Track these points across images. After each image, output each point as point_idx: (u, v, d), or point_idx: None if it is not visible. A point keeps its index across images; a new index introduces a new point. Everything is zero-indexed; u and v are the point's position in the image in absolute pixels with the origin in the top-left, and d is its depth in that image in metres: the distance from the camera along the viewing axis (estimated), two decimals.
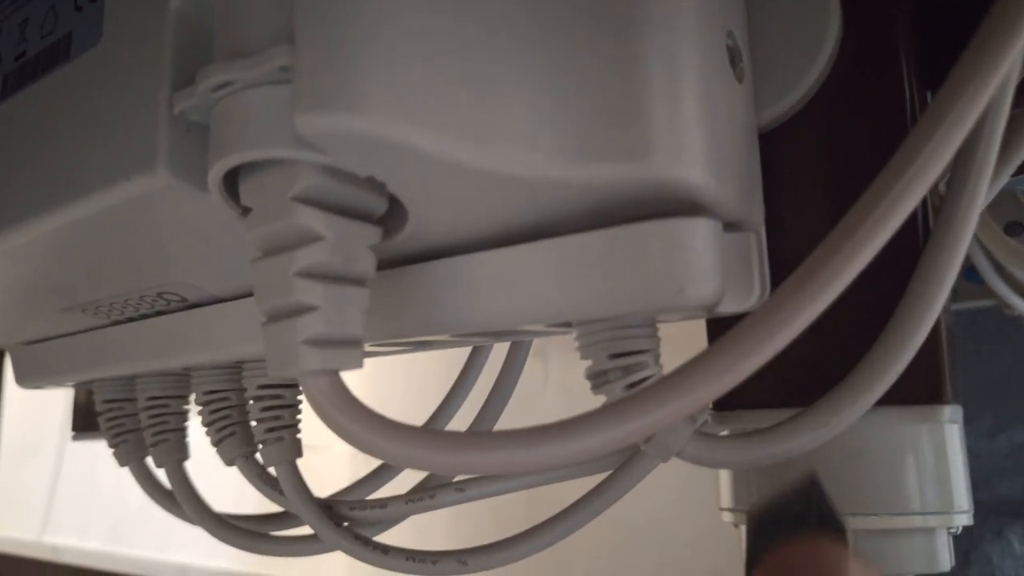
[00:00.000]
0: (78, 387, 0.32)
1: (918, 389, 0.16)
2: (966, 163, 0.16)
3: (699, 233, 0.14)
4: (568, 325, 0.17)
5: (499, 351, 0.26)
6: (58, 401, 0.98)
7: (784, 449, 0.16)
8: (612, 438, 0.14)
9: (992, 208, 0.28)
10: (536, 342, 0.26)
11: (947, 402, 0.16)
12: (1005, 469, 0.41)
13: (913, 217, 0.17)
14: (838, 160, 0.17)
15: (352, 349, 0.16)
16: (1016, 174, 0.21)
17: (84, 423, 0.36)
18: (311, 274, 0.15)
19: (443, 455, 0.15)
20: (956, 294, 0.35)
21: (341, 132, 0.13)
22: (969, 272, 0.34)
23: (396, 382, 0.71)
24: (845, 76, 0.17)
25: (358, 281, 0.16)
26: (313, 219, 0.15)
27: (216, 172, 0.15)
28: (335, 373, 0.16)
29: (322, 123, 0.13)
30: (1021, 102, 0.17)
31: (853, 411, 0.16)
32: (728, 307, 0.15)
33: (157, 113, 0.16)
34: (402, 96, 0.13)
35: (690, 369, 0.14)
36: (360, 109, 0.13)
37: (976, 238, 0.30)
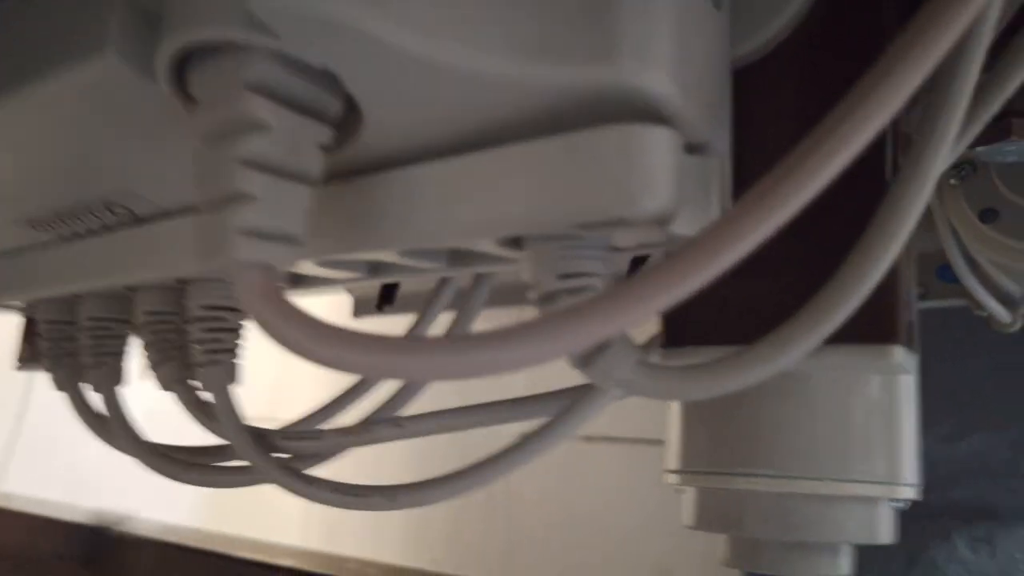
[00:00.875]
0: (25, 310, 0.31)
1: (870, 327, 0.16)
2: (935, 108, 0.16)
3: (657, 142, 0.14)
4: (519, 245, 0.17)
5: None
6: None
7: (726, 383, 0.16)
8: (548, 348, 0.14)
9: (967, 194, 0.28)
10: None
11: (899, 342, 0.16)
12: (960, 475, 0.41)
13: (880, 161, 0.16)
14: (812, 98, 0.17)
15: (289, 246, 0.15)
16: (990, 143, 0.21)
17: (30, 353, 0.35)
18: (253, 163, 0.14)
19: (370, 356, 0.14)
20: (929, 292, 0.35)
21: (296, 13, 0.13)
22: (943, 269, 0.34)
23: None
24: (823, 14, 0.17)
25: (302, 178, 0.15)
26: (261, 107, 0.14)
27: (164, 52, 0.15)
28: (268, 267, 0.15)
29: (277, 2, 0.13)
30: (991, 67, 0.17)
31: (800, 348, 0.15)
32: (682, 229, 0.15)
33: None
34: None
35: (632, 283, 0.13)
36: None
37: (951, 229, 0.30)
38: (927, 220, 0.31)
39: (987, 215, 0.27)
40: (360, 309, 0.76)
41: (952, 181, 0.28)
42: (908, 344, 0.16)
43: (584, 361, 0.16)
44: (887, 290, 0.16)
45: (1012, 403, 0.41)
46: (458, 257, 0.19)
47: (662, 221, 0.14)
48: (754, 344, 0.15)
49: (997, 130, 0.20)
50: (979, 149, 0.20)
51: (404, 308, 0.71)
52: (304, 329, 0.15)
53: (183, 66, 0.15)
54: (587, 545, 0.56)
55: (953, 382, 0.42)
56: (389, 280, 0.22)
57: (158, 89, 0.15)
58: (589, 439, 0.57)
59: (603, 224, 0.14)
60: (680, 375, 0.16)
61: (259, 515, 0.71)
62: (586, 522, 0.57)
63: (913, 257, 0.19)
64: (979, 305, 0.31)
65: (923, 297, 0.35)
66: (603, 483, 0.56)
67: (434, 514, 0.63)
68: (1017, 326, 0.32)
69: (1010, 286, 0.30)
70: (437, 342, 0.14)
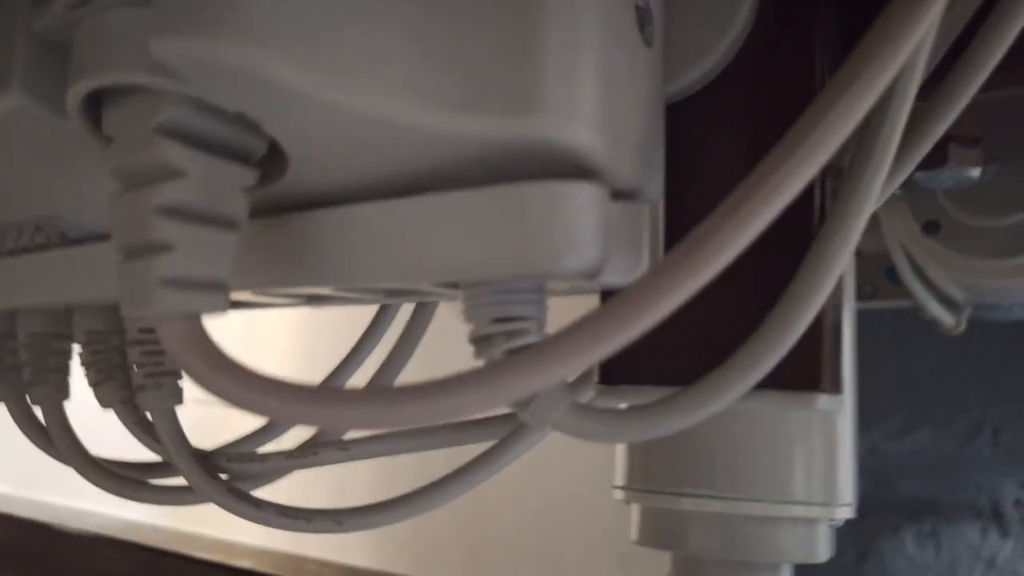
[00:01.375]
0: None
1: (795, 375, 0.16)
2: (865, 151, 0.16)
3: (581, 199, 0.13)
4: (456, 285, 0.17)
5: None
6: None
7: (658, 426, 0.16)
8: (481, 400, 0.14)
9: (912, 206, 0.28)
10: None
11: (823, 390, 0.16)
12: (908, 470, 0.42)
13: (810, 200, 0.16)
14: (747, 134, 0.17)
15: (214, 293, 0.15)
16: (929, 169, 0.21)
17: None
18: (171, 211, 0.14)
19: (300, 408, 0.14)
20: (877, 292, 0.35)
21: (198, 59, 0.12)
22: (889, 271, 0.34)
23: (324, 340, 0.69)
24: (757, 49, 0.17)
25: (226, 223, 0.15)
26: (176, 154, 0.14)
27: (74, 95, 0.14)
28: (194, 317, 0.15)
29: (178, 48, 0.12)
30: (925, 96, 0.17)
31: (732, 393, 0.15)
32: (612, 279, 0.15)
33: (14, 30, 0.15)
34: (266, 24, 0.12)
35: (565, 336, 0.13)
36: (218, 35, 0.12)
37: (896, 238, 0.30)
38: (874, 221, 0.31)
39: (930, 227, 0.27)
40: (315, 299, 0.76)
41: (897, 192, 0.28)
42: (832, 389, 0.16)
43: (519, 404, 0.16)
44: (812, 337, 0.16)
45: (957, 401, 0.42)
46: (397, 291, 0.19)
47: (590, 276, 0.14)
48: (686, 389, 0.16)
49: (935, 157, 0.20)
50: (917, 175, 0.21)
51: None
52: (233, 381, 0.14)
53: (98, 100, 0.15)
54: (550, 535, 0.57)
55: (901, 380, 0.43)
56: (328, 305, 0.22)
57: (70, 122, 0.15)
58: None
59: (532, 278, 0.14)
60: (611, 419, 0.16)
61: (217, 514, 0.71)
62: (549, 512, 0.58)
63: (844, 283, 0.19)
64: (924, 309, 0.32)
65: (871, 297, 0.35)
66: (566, 472, 0.56)
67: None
68: (960, 329, 0.32)
69: (953, 291, 0.30)
70: (373, 395, 0.14)
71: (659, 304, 0.13)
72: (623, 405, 0.18)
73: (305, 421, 0.15)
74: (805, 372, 0.16)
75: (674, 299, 0.13)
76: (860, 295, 0.35)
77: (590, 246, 0.13)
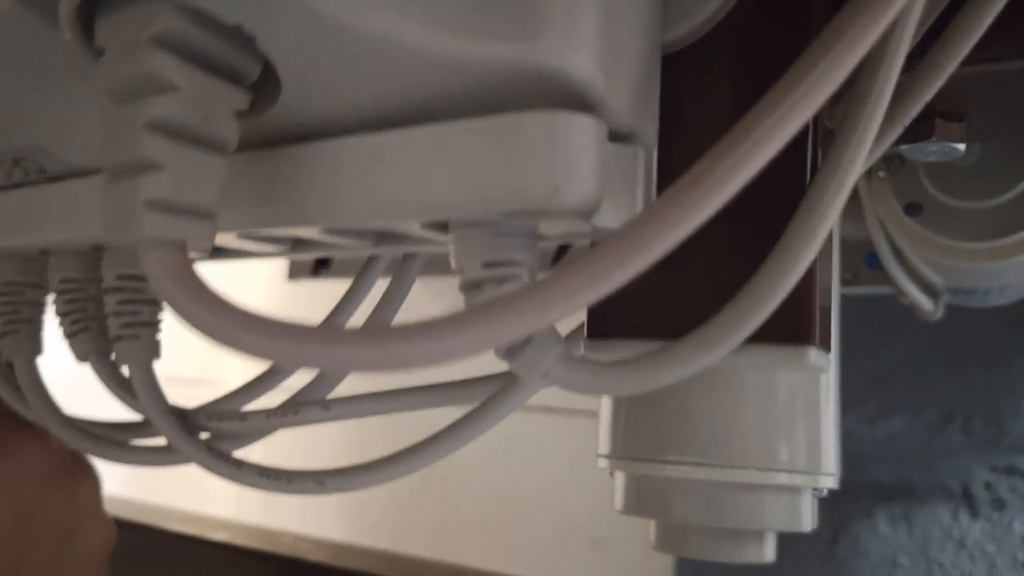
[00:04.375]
0: None
1: (786, 329, 0.16)
2: (857, 106, 0.16)
3: (581, 131, 0.13)
4: (446, 230, 0.17)
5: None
6: None
7: (647, 380, 0.16)
8: (472, 342, 0.13)
9: (895, 187, 0.28)
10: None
11: (812, 344, 0.16)
12: (881, 455, 0.42)
13: (802, 157, 0.16)
14: (742, 86, 0.17)
15: (201, 221, 0.14)
16: (914, 141, 0.21)
17: None
18: (161, 128, 0.14)
19: (285, 344, 0.14)
20: (857, 278, 0.36)
21: None
22: (870, 258, 0.35)
23: None
24: (752, 2, 0.17)
25: (216, 147, 0.14)
26: (169, 66, 0.13)
27: (67, 2, 0.14)
28: (179, 245, 0.14)
29: None
30: (912, 67, 0.17)
31: (722, 347, 0.15)
32: (606, 220, 0.15)
33: None
34: None
35: (556, 277, 0.13)
36: None
37: (878, 221, 0.30)
38: (857, 209, 0.32)
39: (912, 209, 0.27)
40: (295, 272, 0.74)
41: (881, 174, 0.28)
42: (822, 345, 0.16)
43: (509, 353, 0.16)
44: (802, 291, 0.16)
45: (929, 387, 0.43)
46: (385, 237, 0.19)
47: (585, 213, 0.14)
48: (677, 342, 0.16)
49: (921, 129, 0.20)
50: (904, 147, 0.21)
51: (341, 272, 0.70)
52: (217, 314, 0.14)
53: (91, 13, 0.14)
54: (524, 516, 0.57)
55: (875, 366, 0.43)
56: (314, 255, 0.21)
57: (62, 34, 0.14)
58: (527, 409, 0.57)
59: (526, 213, 0.14)
60: (604, 371, 0.16)
61: (193, 485, 0.70)
62: (523, 493, 0.58)
63: (831, 252, 0.20)
64: (904, 293, 0.32)
65: (851, 283, 0.36)
66: (541, 454, 0.56)
67: (373, 488, 0.63)
68: (939, 315, 0.33)
69: (933, 277, 0.31)
70: (358, 334, 0.14)
71: (652, 245, 0.13)
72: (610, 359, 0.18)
73: (294, 360, 0.14)
74: (796, 326, 0.16)
75: (667, 241, 0.13)
76: (841, 281, 0.35)
77: (588, 181, 0.13)
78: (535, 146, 0.13)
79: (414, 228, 0.16)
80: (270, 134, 0.16)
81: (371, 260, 0.24)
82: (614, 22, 0.14)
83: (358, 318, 0.26)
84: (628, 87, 0.14)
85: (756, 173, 0.13)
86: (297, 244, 0.20)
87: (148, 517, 0.69)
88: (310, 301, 0.69)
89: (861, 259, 0.35)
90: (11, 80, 0.17)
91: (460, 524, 0.61)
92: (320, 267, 0.73)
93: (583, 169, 0.13)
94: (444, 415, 0.22)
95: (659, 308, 0.17)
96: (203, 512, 0.70)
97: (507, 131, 0.13)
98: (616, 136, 0.15)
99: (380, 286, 0.26)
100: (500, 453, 0.58)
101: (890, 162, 0.28)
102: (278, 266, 0.74)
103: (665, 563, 0.45)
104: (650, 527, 0.23)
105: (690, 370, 0.16)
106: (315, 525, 0.67)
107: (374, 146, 0.15)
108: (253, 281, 0.75)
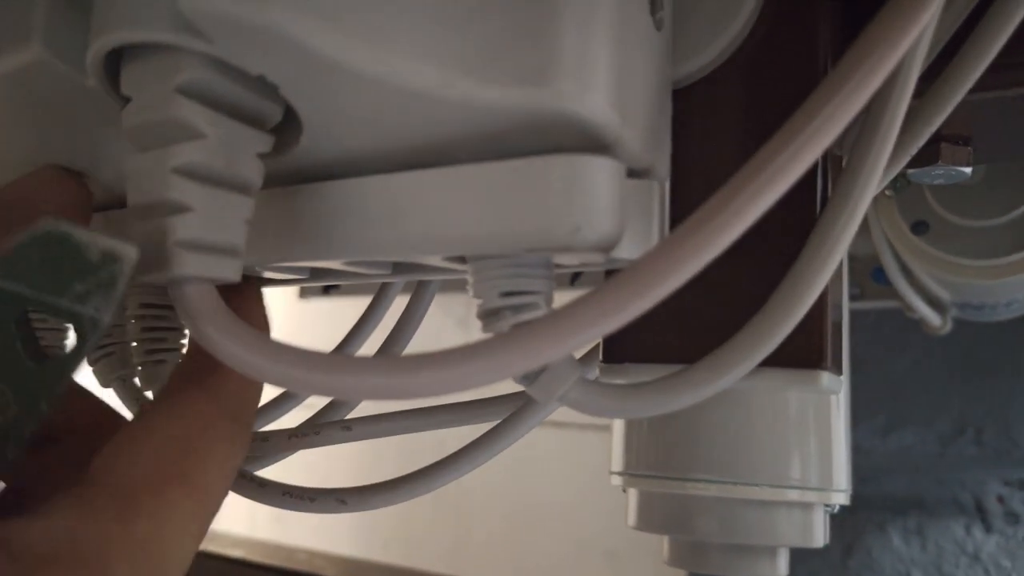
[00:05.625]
0: None
1: (799, 353, 0.16)
2: (868, 136, 0.16)
3: (602, 172, 0.14)
4: (463, 261, 0.17)
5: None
6: None
7: (663, 403, 0.16)
8: (492, 371, 0.14)
9: (901, 206, 0.29)
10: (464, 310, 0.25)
11: (825, 368, 0.17)
12: (892, 468, 0.42)
13: (812, 186, 0.17)
14: (752, 121, 0.17)
15: (229, 259, 0.15)
16: (920, 166, 0.21)
17: None
18: (189, 172, 0.14)
19: (312, 375, 0.14)
20: (863, 293, 0.36)
21: (224, 15, 0.12)
22: (877, 272, 0.35)
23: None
24: (763, 37, 0.17)
25: (241, 188, 0.15)
26: (195, 114, 0.14)
27: (94, 53, 0.14)
28: (208, 282, 0.15)
29: (206, 5, 0.12)
30: (920, 93, 0.17)
31: (735, 371, 0.16)
32: (624, 254, 0.15)
33: None
34: None
35: (574, 308, 0.14)
36: None
37: (885, 238, 0.31)
38: (863, 225, 0.32)
39: (919, 227, 0.28)
40: (306, 292, 0.75)
41: (887, 193, 0.29)
42: (834, 367, 0.17)
43: (527, 378, 0.16)
44: (814, 315, 0.16)
45: (939, 399, 0.43)
46: (404, 267, 0.19)
47: (606, 249, 0.14)
48: (692, 367, 0.16)
49: (927, 154, 0.21)
50: (911, 171, 0.21)
51: (350, 292, 0.71)
52: (243, 345, 0.14)
53: (117, 59, 0.15)
54: (535, 530, 0.57)
55: (885, 378, 0.44)
56: (333, 282, 0.22)
57: (89, 80, 0.15)
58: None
59: (549, 251, 0.14)
60: (619, 394, 0.16)
61: None
62: (534, 507, 0.58)
63: (842, 273, 0.20)
64: (911, 308, 0.33)
65: (858, 298, 0.36)
66: (552, 469, 0.56)
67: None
68: (946, 329, 0.33)
69: (940, 292, 0.31)
70: (382, 362, 0.14)
71: (668, 277, 0.13)
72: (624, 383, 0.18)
73: (320, 390, 0.15)
74: (809, 350, 0.16)
75: (682, 273, 0.13)
76: (848, 296, 0.35)
77: (609, 220, 0.14)
78: (558, 188, 0.14)
79: (436, 261, 0.17)
80: (294, 171, 0.17)
81: (386, 285, 0.24)
82: (626, 62, 0.14)
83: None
84: (642, 125, 0.15)
85: (771, 206, 0.13)
86: (315, 273, 0.20)
87: None
88: (322, 320, 0.69)
89: (867, 274, 0.36)
90: (42, 118, 0.17)
91: (472, 539, 0.61)
92: (330, 287, 0.74)
93: (603, 208, 0.14)
94: (453, 434, 0.22)
95: (672, 334, 0.18)
96: (218, 528, 0.71)
97: (530, 174, 0.14)
98: (632, 172, 0.15)
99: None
100: (511, 468, 0.58)
101: (895, 181, 0.28)
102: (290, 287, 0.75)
103: None
104: (664, 543, 0.23)
105: (705, 393, 0.16)
106: (329, 540, 0.67)
107: (399, 186, 0.15)
108: (267, 300, 0.75)
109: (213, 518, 0.15)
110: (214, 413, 0.15)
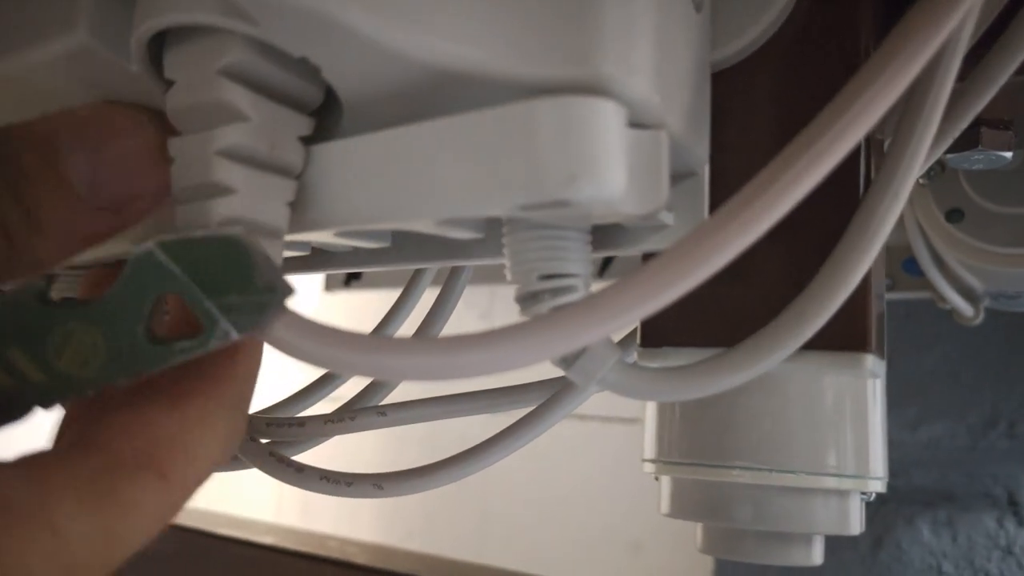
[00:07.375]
0: None
1: (843, 336, 0.16)
2: (910, 119, 0.16)
3: (598, 115, 0.12)
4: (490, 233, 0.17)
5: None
6: None
7: (701, 386, 0.16)
8: (533, 352, 0.14)
9: (935, 194, 0.28)
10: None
11: (870, 351, 0.16)
12: (923, 460, 0.42)
13: (854, 170, 0.17)
14: (791, 104, 0.17)
15: (271, 241, 0.15)
16: (959, 151, 0.21)
17: None
18: (232, 155, 0.14)
19: (356, 355, 0.14)
20: (895, 284, 0.36)
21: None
22: (909, 263, 0.35)
23: None
24: (802, 20, 0.17)
25: (283, 170, 0.15)
26: (239, 97, 0.14)
27: (139, 36, 0.14)
28: None
29: None
30: (962, 77, 0.17)
31: (777, 354, 0.16)
32: (631, 208, 0.14)
33: None
34: None
35: (615, 290, 0.14)
36: None
37: (919, 227, 0.30)
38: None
39: (953, 215, 0.27)
40: (330, 283, 0.76)
41: (921, 181, 0.28)
42: (878, 351, 0.17)
43: (565, 361, 0.16)
44: (859, 298, 0.16)
45: (970, 392, 0.42)
46: (406, 247, 0.19)
47: (607, 202, 0.13)
48: (733, 349, 0.16)
49: (967, 139, 0.20)
50: (949, 156, 0.21)
51: (372, 284, 0.71)
52: (291, 328, 0.15)
53: (159, 44, 0.15)
54: (559, 520, 0.57)
55: (916, 371, 0.43)
56: (373, 267, 0.22)
57: (133, 67, 0.15)
58: None
59: (543, 205, 0.13)
60: (659, 377, 0.16)
61: (234, 491, 0.72)
62: (559, 498, 0.58)
63: (883, 259, 0.20)
64: (943, 299, 0.32)
65: (890, 289, 0.36)
66: (575, 460, 0.56)
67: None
68: (979, 320, 0.33)
69: (973, 282, 0.31)
70: (424, 342, 0.14)
71: (708, 261, 0.13)
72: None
73: (359, 370, 0.15)
74: (852, 333, 0.16)
75: (722, 256, 0.13)
76: None
77: (608, 167, 0.12)
78: (548, 133, 0.12)
79: (428, 227, 0.16)
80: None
81: (418, 272, 0.24)
82: (667, 44, 0.14)
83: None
84: (682, 106, 0.15)
85: (814, 188, 0.13)
86: (317, 251, 0.20)
87: (195, 521, 0.70)
88: (346, 310, 0.70)
89: (898, 264, 0.35)
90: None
91: (496, 527, 0.61)
92: (352, 278, 0.75)
93: (600, 154, 0.12)
94: (477, 423, 0.22)
95: (711, 317, 0.18)
96: (245, 516, 0.71)
97: (518, 119, 0.13)
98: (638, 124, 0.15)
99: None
100: (536, 460, 0.58)
101: (930, 169, 0.28)
102: (315, 278, 0.75)
103: (703, 566, 0.45)
104: (697, 530, 0.23)
105: (746, 376, 0.16)
106: (353, 527, 0.67)
107: (382, 143, 0.15)
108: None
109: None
110: (212, 406, 0.15)
